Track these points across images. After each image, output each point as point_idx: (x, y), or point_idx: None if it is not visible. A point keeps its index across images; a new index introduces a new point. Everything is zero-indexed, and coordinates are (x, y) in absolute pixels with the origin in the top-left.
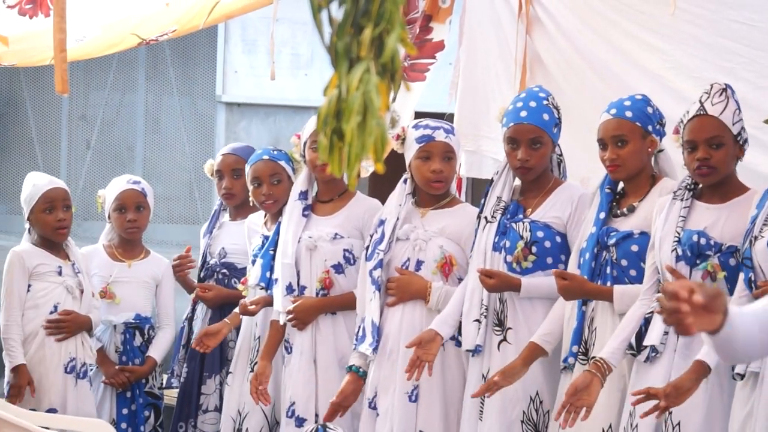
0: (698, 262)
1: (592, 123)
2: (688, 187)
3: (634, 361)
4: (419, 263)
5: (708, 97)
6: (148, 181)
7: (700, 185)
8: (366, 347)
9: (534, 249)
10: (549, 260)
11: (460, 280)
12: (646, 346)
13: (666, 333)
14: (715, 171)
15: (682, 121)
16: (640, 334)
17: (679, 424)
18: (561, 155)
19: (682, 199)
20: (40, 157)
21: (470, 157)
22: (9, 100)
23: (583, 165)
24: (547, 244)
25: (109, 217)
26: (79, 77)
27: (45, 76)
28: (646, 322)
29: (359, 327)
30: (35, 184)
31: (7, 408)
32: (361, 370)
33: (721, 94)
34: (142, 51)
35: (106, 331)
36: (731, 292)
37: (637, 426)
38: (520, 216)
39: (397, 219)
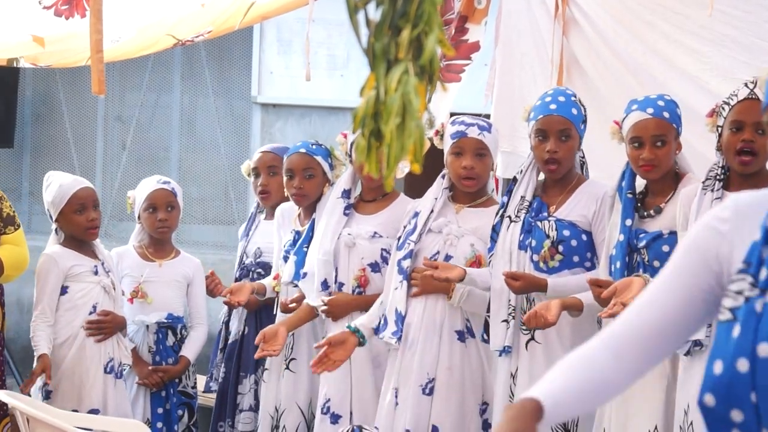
0: None
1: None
2: (718, 177)
3: (679, 361)
4: (448, 257)
5: (757, 85)
6: (183, 182)
7: (728, 176)
8: (389, 336)
9: (561, 248)
10: (575, 259)
11: None
12: (688, 340)
13: (709, 326)
14: (756, 158)
15: (727, 103)
16: None
17: None
18: (584, 157)
19: (712, 190)
20: (76, 158)
21: (507, 157)
22: (45, 101)
23: (618, 164)
24: (574, 242)
25: (139, 217)
26: (114, 78)
27: (81, 77)
28: None
29: (381, 316)
30: (62, 184)
31: (44, 409)
32: (359, 331)
33: None
34: (177, 52)
35: (139, 331)
36: None
37: (692, 423)
38: (545, 214)
39: (431, 211)
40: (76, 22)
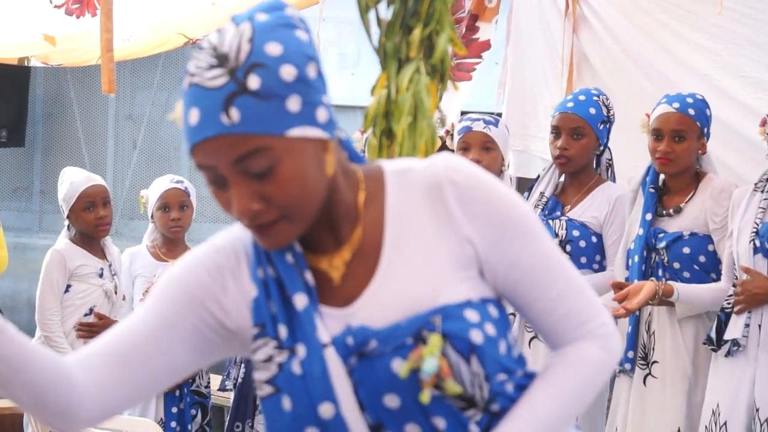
0: None
1: (638, 122)
2: None
3: (711, 359)
4: None
5: None
6: (194, 180)
7: None
8: None
9: (568, 248)
10: (583, 260)
11: None
12: (726, 341)
13: (747, 326)
14: None
15: None
16: (720, 330)
17: (767, 421)
18: (611, 160)
19: (762, 191)
20: (87, 156)
21: (518, 156)
22: (56, 100)
23: (629, 164)
24: (582, 243)
25: (152, 217)
26: (125, 77)
27: (92, 76)
28: (726, 317)
29: None
30: (73, 181)
31: None
32: None
33: None
34: (188, 51)
35: None
36: None
37: (726, 424)
38: (558, 213)
39: None
40: (87, 21)
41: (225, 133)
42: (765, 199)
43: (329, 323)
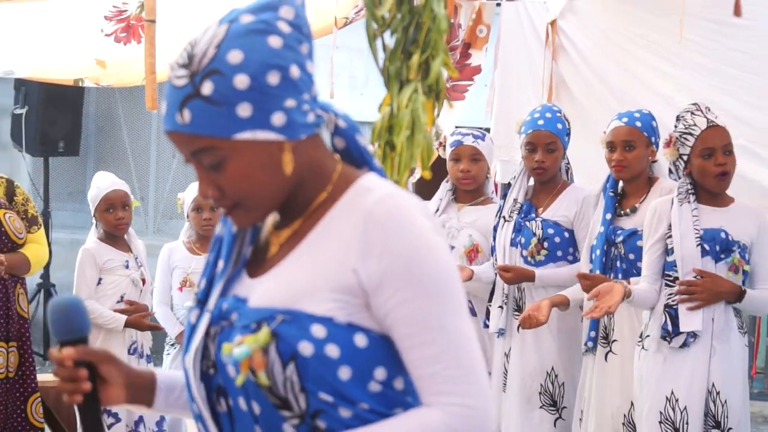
0: (722, 256)
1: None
2: (690, 191)
3: (662, 350)
4: (450, 248)
5: (704, 113)
6: None
7: (697, 191)
8: None
9: (546, 244)
10: (559, 253)
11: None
12: (682, 333)
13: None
14: (729, 175)
15: (681, 137)
16: (674, 323)
17: (726, 402)
18: (569, 163)
19: (689, 202)
20: (133, 164)
21: (505, 165)
22: (106, 116)
23: (600, 170)
24: (557, 239)
25: (187, 216)
26: None
27: (137, 95)
28: (675, 311)
29: None
30: (98, 186)
31: None
32: None
33: (710, 110)
34: None
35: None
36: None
37: (686, 408)
38: (533, 215)
39: (437, 210)
40: (133, 48)
41: (178, 131)
42: (695, 208)
43: (238, 288)
